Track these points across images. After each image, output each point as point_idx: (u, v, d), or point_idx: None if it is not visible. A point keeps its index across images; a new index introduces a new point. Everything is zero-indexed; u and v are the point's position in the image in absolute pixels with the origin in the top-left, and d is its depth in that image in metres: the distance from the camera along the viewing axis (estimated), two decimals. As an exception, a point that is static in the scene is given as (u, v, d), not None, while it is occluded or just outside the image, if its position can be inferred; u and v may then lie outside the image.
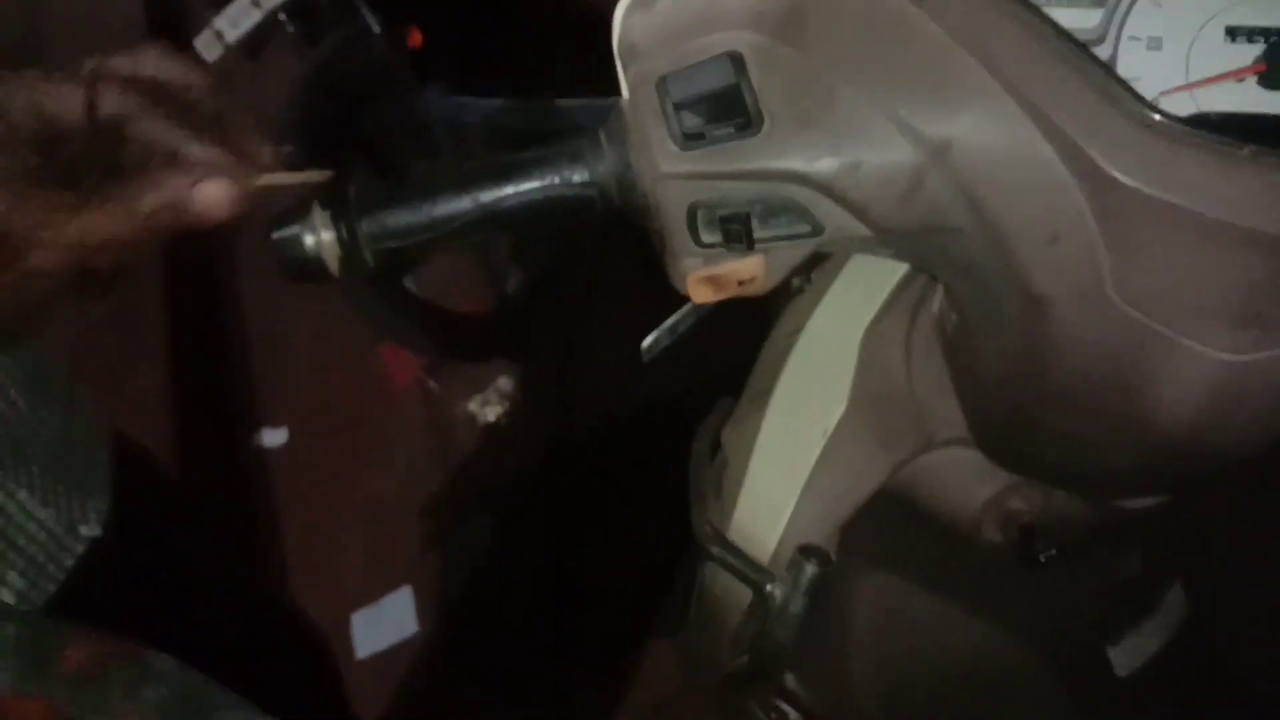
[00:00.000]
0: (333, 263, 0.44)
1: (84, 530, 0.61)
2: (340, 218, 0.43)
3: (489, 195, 0.44)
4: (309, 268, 0.44)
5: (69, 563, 0.60)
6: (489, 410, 1.43)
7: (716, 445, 0.67)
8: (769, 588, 0.52)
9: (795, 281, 0.67)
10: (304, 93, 1.42)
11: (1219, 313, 0.39)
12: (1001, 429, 0.52)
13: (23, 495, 0.58)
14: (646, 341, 0.74)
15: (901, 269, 0.58)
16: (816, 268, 0.65)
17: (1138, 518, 0.59)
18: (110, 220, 0.41)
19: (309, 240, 0.43)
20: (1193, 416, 0.43)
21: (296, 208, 0.44)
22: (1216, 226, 0.37)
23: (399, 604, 1.31)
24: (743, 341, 0.68)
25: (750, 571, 0.53)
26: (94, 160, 0.42)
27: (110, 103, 0.42)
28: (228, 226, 0.43)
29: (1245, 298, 0.38)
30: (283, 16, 1.25)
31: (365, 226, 0.43)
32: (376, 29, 1.37)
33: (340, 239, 0.44)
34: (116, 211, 0.41)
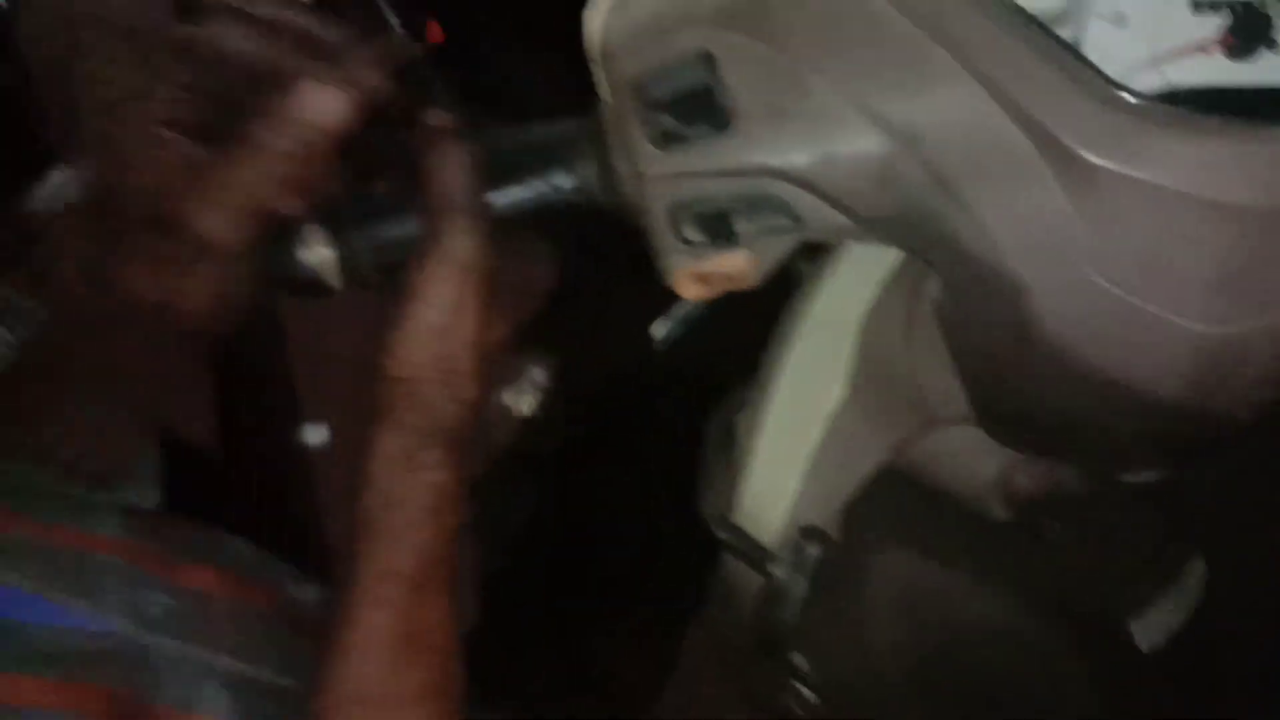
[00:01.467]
0: (334, 279, 0.45)
1: None
2: (336, 233, 0.45)
3: None
4: (309, 285, 0.45)
5: None
6: (523, 402, 1.43)
7: (731, 431, 0.68)
8: (772, 569, 0.53)
9: (803, 266, 0.68)
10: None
11: (1197, 286, 0.39)
12: (999, 407, 0.52)
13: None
14: (657, 329, 0.75)
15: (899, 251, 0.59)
16: (824, 255, 0.65)
17: (1148, 491, 0.59)
18: (250, 167, 0.41)
19: (308, 258, 0.45)
20: (1179, 390, 0.43)
21: (290, 226, 0.45)
22: (1189, 200, 0.37)
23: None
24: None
25: (753, 553, 0.54)
26: (233, 105, 0.42)
27: (242, 42, 0.43)
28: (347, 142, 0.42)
29: (1222, 270, 0.39)
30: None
31: (360, 240, 0.45)
32: (395, 25, 1.37)
33: (339, 255, 0.45)
34: (251, 155, 0.41)
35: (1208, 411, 0.45)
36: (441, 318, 0.43)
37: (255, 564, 0.51)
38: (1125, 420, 0.46)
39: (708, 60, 0.42)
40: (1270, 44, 0.39)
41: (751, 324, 0.69)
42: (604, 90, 0.44)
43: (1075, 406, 0.47)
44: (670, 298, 0.82)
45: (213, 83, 0.42)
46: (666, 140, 0.42)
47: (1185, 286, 0.40)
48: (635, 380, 0.94)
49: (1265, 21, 0.39)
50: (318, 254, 0.45)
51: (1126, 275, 0.40)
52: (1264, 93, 0.39)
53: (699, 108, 0.42)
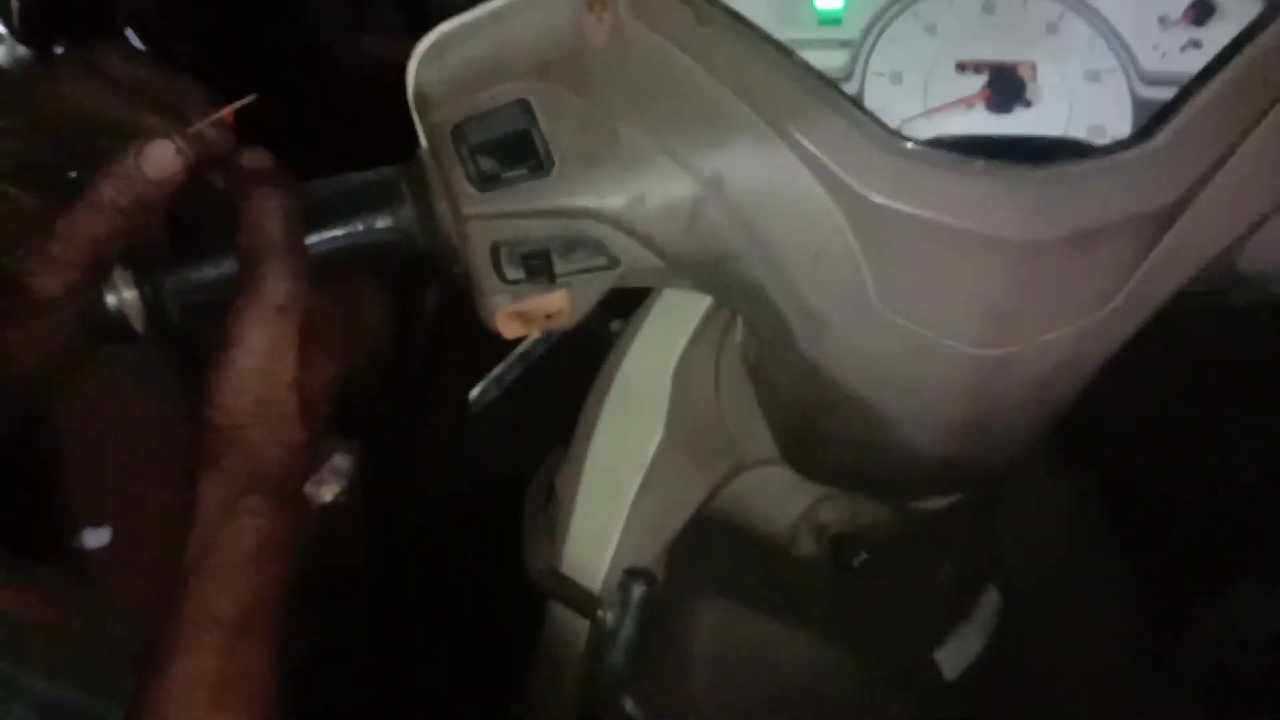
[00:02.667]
0: (137, 321, 0.44)
1: None
2: (143, 275, 0.44)
3: None
4: (112, 327, 0.44)
5: None
6: (325, 490, 1.39)
7: (550, 493, 0.69)
8: (600, 613, 0.53)
9: (614, 326, 0.70)
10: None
11: (969, 312, 0.44)
12: (802, 441, 0.55)
13: None
14: (474, 393, 0.76)
15: (706, 305, 0.62)
16: (634, 313, 0.68)
17: (943, 521, 0.64)
18: (85, 217, 0.42)
19: (111, 300, 0.44)
20: (959, 411, 0.47)
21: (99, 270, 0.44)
22: (957, 233, 0.42)
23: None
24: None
25: (581, 599, 0.54)
26: (77, 155, 0.43)
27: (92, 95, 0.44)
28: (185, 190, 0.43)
29: (989, 296, 0.43)
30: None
31: (169, 282, 0.44)
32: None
33: (144, 297, 0.44)
34: (87, 206, 0.42)
35: (985, 433, 0.49)
36: (259, 361, 0.42)
37: (67, 590, 0.49)
38: (913, 443, 0.50)
39: (525, 107, 0.44)
40: (1025, 103, 0.45)
41: (566, 388, 0.70)
42: (423, 135, 0.45)
43: (869, 432, 0.50)
44: (485, 363, 0.83)
45: (50, 134, 0.42)
46: (486, 182, 0.44)
47: (958, 313, 0.44)
48: (451, 446, 0.93)
49: (1020, 84, 0.45)
50: (123, 297, 0.44)
51: (908, 304, 0.44)
52: (1020, 141, 0.44)
53: (518, 151, 0.44)
